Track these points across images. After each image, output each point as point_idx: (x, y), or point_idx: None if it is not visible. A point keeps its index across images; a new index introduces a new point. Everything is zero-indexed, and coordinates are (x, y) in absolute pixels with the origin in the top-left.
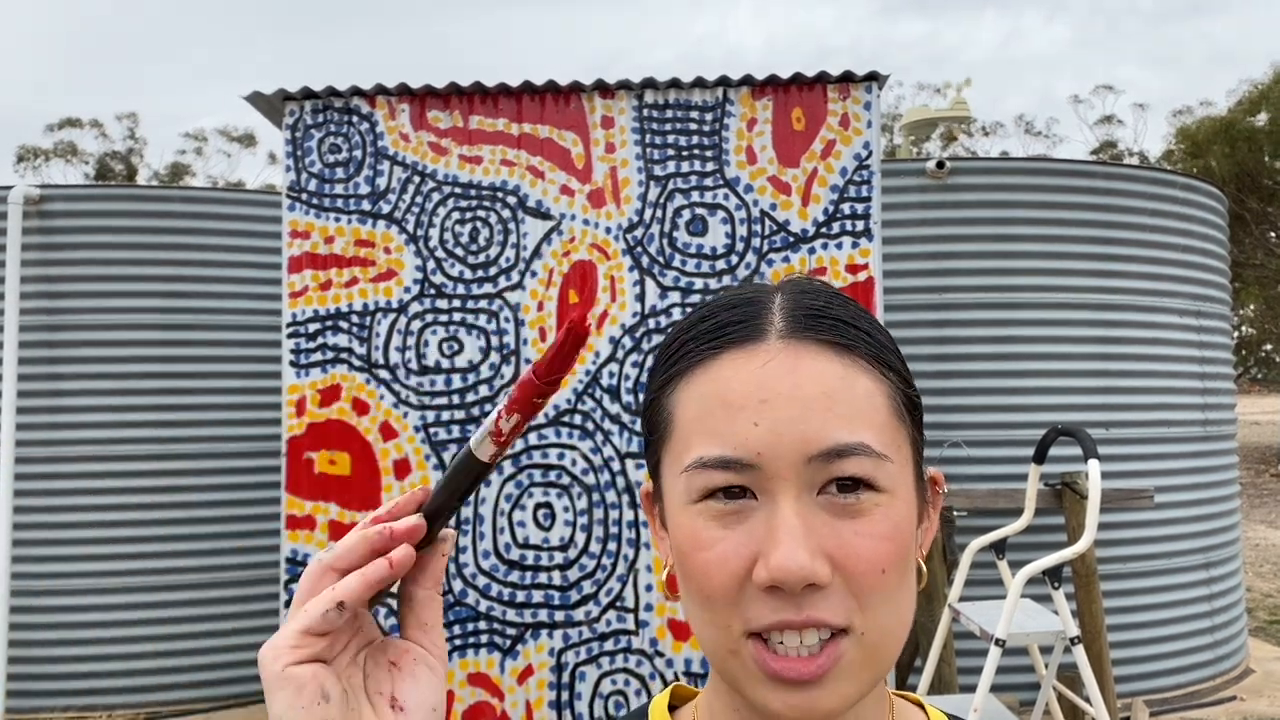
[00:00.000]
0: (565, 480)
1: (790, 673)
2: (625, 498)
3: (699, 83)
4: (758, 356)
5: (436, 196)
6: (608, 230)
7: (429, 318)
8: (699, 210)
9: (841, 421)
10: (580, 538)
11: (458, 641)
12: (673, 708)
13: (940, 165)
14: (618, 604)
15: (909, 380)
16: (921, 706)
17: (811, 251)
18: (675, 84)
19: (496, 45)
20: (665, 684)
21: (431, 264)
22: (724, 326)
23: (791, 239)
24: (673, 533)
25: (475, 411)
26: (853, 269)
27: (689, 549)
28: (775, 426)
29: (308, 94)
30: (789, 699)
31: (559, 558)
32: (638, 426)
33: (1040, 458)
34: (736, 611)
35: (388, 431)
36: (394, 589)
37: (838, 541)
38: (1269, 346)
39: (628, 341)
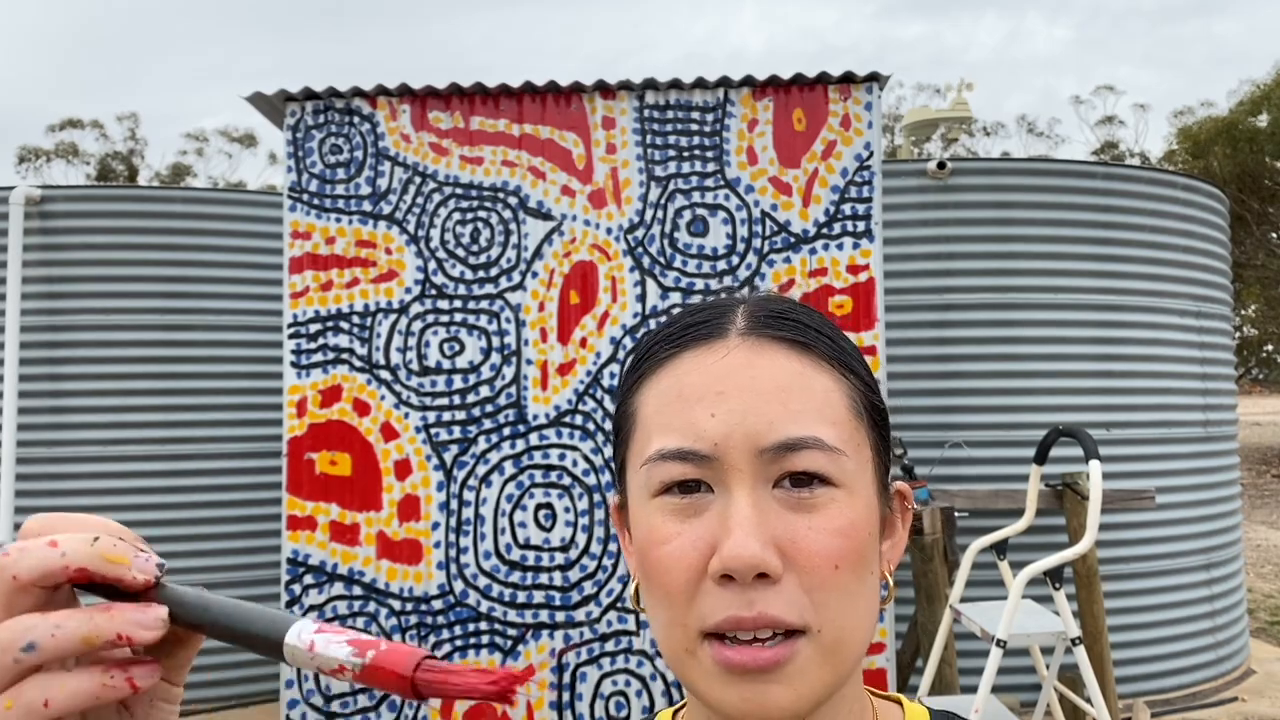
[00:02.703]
0: (566, 481)
1: (746, 660)
2: None
3: (700, 83)
4: (717, 351)
5: (437, 197)
6: (608, 231)
7: (430, 318)
8: (700, 211)
9: (796, 415)
10: (581, 538)
11: (458, 642)
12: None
13: (941, 166)
14: (619, 605)
15: (872, 387)
16: (900, 704)
17: (812, 252)
18: (676, 84)
19: (497, 46)
20: (666, 685)
21: (432, 264)
22: (687, 329)
23: (792, 239)
24: (634, 530)
25: (476, 412)
26: (853, 269)
27: (648, 545)
28: (730, 418)
29: (309, 94)
30: (744, 692)
31: (560, 558)
32: None
33: (1041, 458)
34: (693, 609)
35: (389, 432)
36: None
37: (790, 535)
38: (1270, 347)
39: (628, 342)
